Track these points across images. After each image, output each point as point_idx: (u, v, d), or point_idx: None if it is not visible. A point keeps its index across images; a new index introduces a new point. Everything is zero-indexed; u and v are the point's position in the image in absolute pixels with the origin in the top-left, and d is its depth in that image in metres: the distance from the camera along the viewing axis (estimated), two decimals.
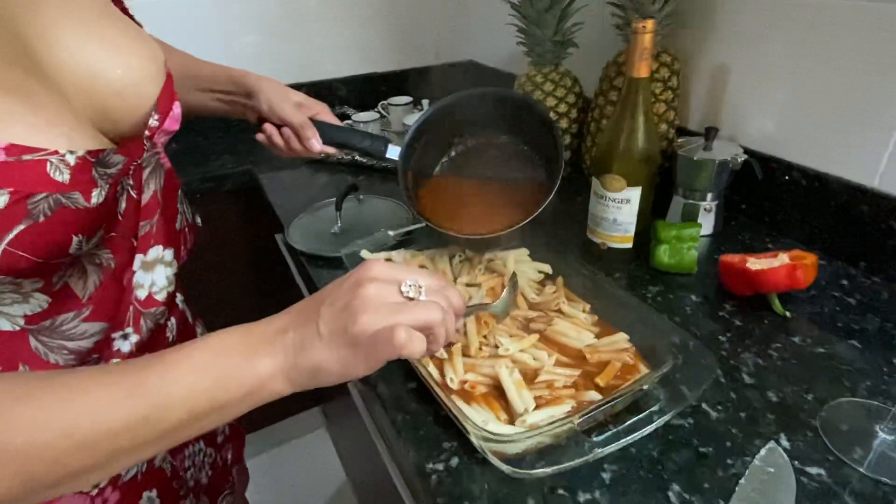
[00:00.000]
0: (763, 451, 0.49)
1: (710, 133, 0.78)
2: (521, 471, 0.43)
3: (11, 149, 0.35)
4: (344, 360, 0.37)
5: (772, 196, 0.82)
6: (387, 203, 0.93)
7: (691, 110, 0.92)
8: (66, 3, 0.43)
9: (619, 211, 0.72)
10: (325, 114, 0.73)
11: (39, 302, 0.42)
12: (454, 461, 0.49)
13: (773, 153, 0.81)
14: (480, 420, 0.48)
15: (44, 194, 0.36)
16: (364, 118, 1.20)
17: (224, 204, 1.18)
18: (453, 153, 0.75)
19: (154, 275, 0.50)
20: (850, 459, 0.48)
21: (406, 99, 1.31)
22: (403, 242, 0.77)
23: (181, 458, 0.60)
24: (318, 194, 0.98)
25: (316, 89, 1.36)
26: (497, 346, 0.57)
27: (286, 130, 0.70)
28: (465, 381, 0.54)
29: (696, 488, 0.46)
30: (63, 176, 0.37)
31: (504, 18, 0.97)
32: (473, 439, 0.46)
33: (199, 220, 0.61)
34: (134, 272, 0.48)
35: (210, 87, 0.72)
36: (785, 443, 0.50)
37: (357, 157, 1.12)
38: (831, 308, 0.66)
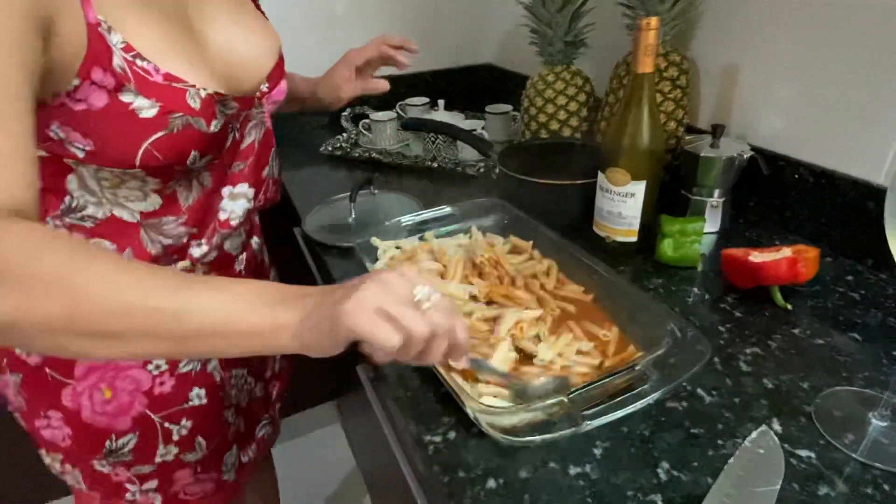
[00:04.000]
0: (754, 434, 0.50)
1: (717, 130, 0.79)
2: (513, 438, 0.45)
3: (167, 76, 0.50)
4: (322, 328, 0.39)
5: (780, 193, 0.82)
6: (400, 197, 0.96)
7: (701, 109, 0.93)
8: None
9: (623, 205, 0.73)
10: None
11: (153, 202, 0.57)
12: (451, 434, 0.51)
13: (782, 151, 0.81)
14: (478, 395, 0.50)
15: (180, 114, 0.51)
16: (382, 117, 1.23)
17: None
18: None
19: (236, 205, 0.65)
20: (842, 444, 0.48)
21: (423, 100, 1.34)
22: (414, 232, 0.80)
23: (228, 376, 0.73)
24: (335, 189, 1.01)
25: None
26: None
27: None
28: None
29: (685, 466, 0.47)
30: (195, 104, 0.52)
31: (520, 22, 1.00)
32: (469, 410, 0.48)
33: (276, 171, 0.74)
34: (223, 198, 0.64)
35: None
36: (777, 427, 0.51)
37: (374, 154, 1.16)
38: (834, 302, 0.67)
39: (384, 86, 0.93)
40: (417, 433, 0.51)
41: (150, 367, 0.63)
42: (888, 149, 0.69)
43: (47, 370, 0.60)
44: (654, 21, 0.65)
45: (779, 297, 0.66)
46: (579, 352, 0.57)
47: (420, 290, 0.41)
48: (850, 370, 0.57)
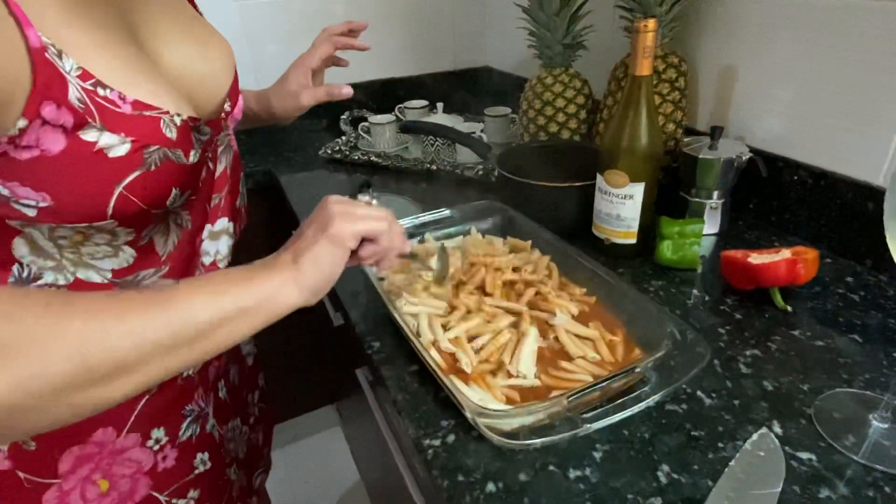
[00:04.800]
0: (755, 437, 0.49)
1: (715, 132, 0.79)
2: (510, 442, 0.45)
3: (136, 104, 0.42)
4: (322, 260, 0.45)
5: (778, 195, 0.82)
6: (398, 199, 0.96)
7: (699, 111, 0.93)
8: (166, 3, 0.53)
9: (622, 207, 0.73)
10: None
11: (126, 257, 0.48)
12: (451, 438, 0.51)
13: (780, 152, 0.81)
14: (477, 398, 0.50)
15: (156, 147, 0.43)
16: (381, 120, 1.24)
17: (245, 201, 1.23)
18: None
19: (219, 244, 0.58)
20: (842, 446, 0.48)
21: (422, 103, 1.35)
22: (413, 235, 0.80)
23: (225, 430, 0.67)
24: (334, 192, 1.01)
25: None
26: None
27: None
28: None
29: (686, 469, 0.47)
30: (171, 133, 0.44)
31: (518, 24, 1.00)
32: (468, 413, 0.47)
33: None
34: (203, 240, 0.56)
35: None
36: (777, 429, 0.50)
37: (373, 158, 1.16)
38: (834, 304, 0.67)
39: (348, 91, 0.83)
40: (416, 437, 0.51)
41: (149, 442, 0.55)
42: (887, 149, 0.69)
43: (20, 475, 0.49)
44: (651, 23, 0.65)
45: (778, 298, 0.66)
46: (592, 361, 0.57)
47: (362, 196, 0.51)
48: (851, 372, 0.56)
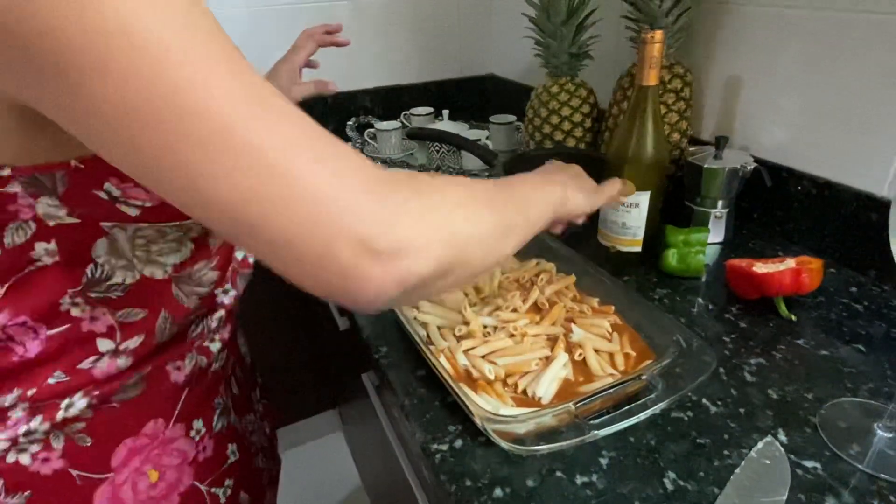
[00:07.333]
0: (760, 445, 0.50)
1: (720, 142, 0.80)
2: (519, 447, 0.45)
3: None
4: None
5: (782, 205, 0.83)
6: None
7: (704, 120, 0.94)
8: None
9: (628, 215, 0.74)
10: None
11: (186, 251, 0.51)
12: (458, 443, 0.51)
13: (784, 163, 0.82)
14: (489, 408, 0.50)
15: None
16: (386, 126, 1.24)
17: None
18: None
19: None
20: (847, 455, 0.49)
21: (427, 109, 1.35)
22: None
23: (244, 423, 0.69)
24: None
25: (341, 99, 1.42)
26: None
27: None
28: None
29: (692, 476, 0.47)
30: None
31: (523, 34, 1.01)
32: (477, 419, 0.48)
33: None
34: None
35: None
36: (783, 437, 0.51)
37: (378, 163, 1.17)
38: (838, 313, 0.67)
39: (334, 87, 0.92)
40: (424, 441, 0.51)
41: (192, 433, 0.57)
42: (891, 161, 0.70)
43: (73, 473, 0.50)
44: (658, 34, 0.65)
45: (783, 307, 0.66)
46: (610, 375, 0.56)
47: None
48: (855, 381, 0.57)
